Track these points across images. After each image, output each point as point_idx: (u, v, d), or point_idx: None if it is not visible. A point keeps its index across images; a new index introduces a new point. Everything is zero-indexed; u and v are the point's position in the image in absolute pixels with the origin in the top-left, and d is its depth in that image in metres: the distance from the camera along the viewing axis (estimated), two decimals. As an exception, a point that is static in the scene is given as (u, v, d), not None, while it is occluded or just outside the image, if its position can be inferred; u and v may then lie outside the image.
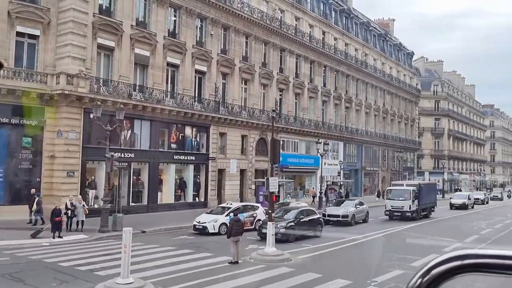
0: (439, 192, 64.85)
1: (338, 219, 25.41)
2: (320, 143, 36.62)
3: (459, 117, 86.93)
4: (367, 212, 28.21)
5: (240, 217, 22.77)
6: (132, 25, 26.88)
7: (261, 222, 20.79)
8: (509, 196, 66.45)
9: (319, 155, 36.61)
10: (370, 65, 53.62)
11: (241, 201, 34.23)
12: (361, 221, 27.01)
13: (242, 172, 35.19)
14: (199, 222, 21.50)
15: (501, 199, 60.29)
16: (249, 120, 34.90)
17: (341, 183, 42.67)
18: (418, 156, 78.61)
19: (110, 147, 23.73)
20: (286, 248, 16.83)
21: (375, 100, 55.23)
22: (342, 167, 44.70)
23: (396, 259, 15.55)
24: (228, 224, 15.27)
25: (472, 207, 42.09)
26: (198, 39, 32.05)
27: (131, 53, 26.83)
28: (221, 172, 33.32)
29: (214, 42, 32.81)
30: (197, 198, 31.69)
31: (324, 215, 25.17)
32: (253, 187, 34.60)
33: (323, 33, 45.65)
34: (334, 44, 47.21)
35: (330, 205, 30.19)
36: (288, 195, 39.69)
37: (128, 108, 25.78)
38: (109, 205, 21.46)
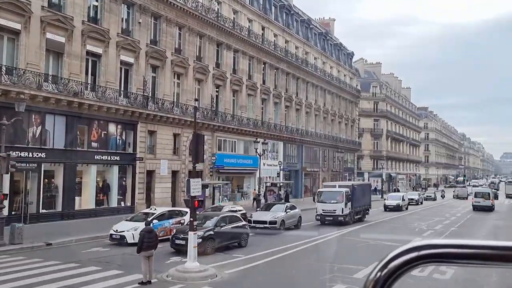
0: (377, 193, 65.34)
1: (266, 225, 22.69)
2: (258, 142, 34.67)
3: (397, 119, 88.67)
4: (300, 217, 25.54)
5: (167, 223, 20.70)
6: (43, 6, 23.49)
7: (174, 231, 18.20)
8: (442, 196, 66.03)
9: (257, 155, 34.62)
10: (310, 64, 52.58)
11: (173, 205, 31.59)
12: (293, 226, 24.53)
13: (175, 173, 32.51)
14: (117, 231, 18.68)
15: (434, 199, 59.49)
16: (182, 117, 32.29)
17: (281, 184, 41.02)
18: (358, 157, 79.09)
19: (14, 145, 20.48)
20: (211, 261, 14.53)
21: (315, 99, 54.28)
22: (281, 167, 43.07)
23: (338, 270, 13.72)
24: (139, 236, 12.69)
25: (407, 208, 40.58)
26: (124, 27, 29.05)
27: (42, 38, 23.44)
28: (150, 173, 30.46)
29: (143, 31, 29.93)
30: (122, 203, 28.63)
31: (250, 221, 22.32)
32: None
33: (263, 28, 43.88)
34: (274, 40, 45.59)
35: (258, 209, 26.95)
36: (225, 198, 37.48)
37: (37, 101, 22.47)
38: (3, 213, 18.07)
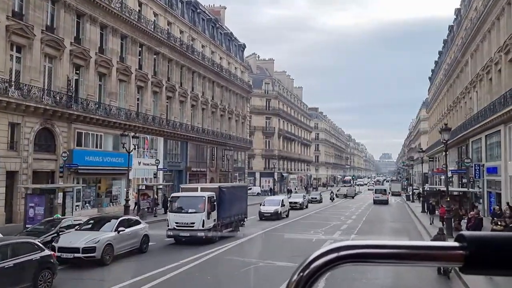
0: (270, 193, 62.27)
1: (77, 255, 14.36)
2: (126, 135, 28.33)
3: (289, 117, 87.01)
4: (144, 236, 17.59)
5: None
6: None
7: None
8: (332, 199, 55.23)
9: (126, 151, 28.18)
10: (197, 51, 47.14)
11: (10, 218, 24.23)
12: (131, 251, 16.71)
13: (12, 175, 24.92)
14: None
15: (319, 201, 51.23)
16: (23, 102, 24.81)
17: (158, 187, 34.95)
18: (249, 156, 75.53)
19: None
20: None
21: (203, 91, 48.98)
22: (160, 167, 37.03)
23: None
24: None
25: (287, 216, 33.21)
26: None
27: None
28: (-28, 175, 22.64)
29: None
30: None
31: (54, 248, 14.01)
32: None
33: (140, 4, 37.44)
34: (155, 20, 39.36)
35: (78, 228, 16.87)
36: (87, 205, 30.53)
37: None
38: None
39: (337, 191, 69.58)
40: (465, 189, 29.16)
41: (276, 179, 79.28)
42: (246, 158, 64.45)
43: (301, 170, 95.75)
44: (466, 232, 0.80)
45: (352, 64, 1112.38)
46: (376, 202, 50.85)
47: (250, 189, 70.94)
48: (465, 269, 0.78)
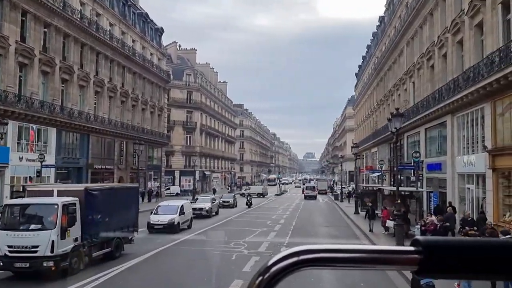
0: (189, 194, 56.66)
1: None
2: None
3: (212, 112, 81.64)
4: None
5: None
6: None
7: None
8: (249, 204, 43.08)
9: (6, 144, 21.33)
10: (103, 29, 40.27)
11: None
12: None
13: None
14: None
15: (233, 206, 41.35)
16: None
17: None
18: (168, 153, 69.23)
19: None
20: None
21: (110, 77, 42.18)
22: (50, 163, 30.09)
23: None
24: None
25: (189, 226, 25.80)
26: None
27: None
28: None
29: None
30: None
31: None
32: None
33: (24, -38, 30.17)
34: (45, -15, 32.19)
35: None
36: None
37: None
38: None
39: (246, 190, 62.82)
40: (413, 188, 25.45)
41: (198, 178, 73.60)
42: (164, 155, 58.07)
43: (225, 168, 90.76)
44: (421, 237, 0.81)
45: (278, 65, 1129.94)
46: (306, 197, 58.80)
47: (168, 189, 64.89)
48: (420, 272, 0.79)
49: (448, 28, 24.56)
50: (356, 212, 34.41)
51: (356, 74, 78.38)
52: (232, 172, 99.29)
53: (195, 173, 72.55)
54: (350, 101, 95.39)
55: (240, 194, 57.68)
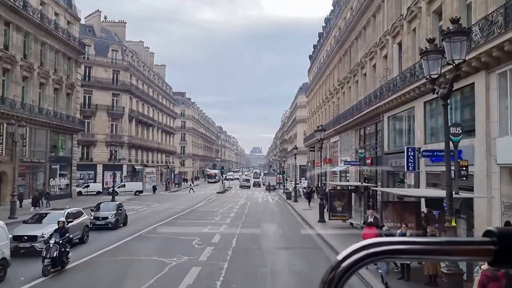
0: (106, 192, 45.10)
1: None
2: None
3: (146, 97, 70.13)
4: None
5: None
6: None
7: None
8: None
9: None
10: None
11: None
12: None
13: None
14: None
15: (112, 226, 22.34)
16: None
17: None
18: (88, 143, 57.46)
19: None
20: None
21: (-16, 33, 30.36)
22: None
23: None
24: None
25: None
26: None
27: None
28: None
29: None
30: None
31: None
32: None
33: None
34: None
35: None
36: None
37: None
38: None
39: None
40: (468, 194, 15.54)
41: (126, 173, 62.17)
42: (75, 144, 46.26)
43: (162, 162, 79.44)
44: (494, 228, 0.80)
45: (225, 60, 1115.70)
46: (255, 184, 75.66)
47: (87, 186, 53.15)
48: (495, 263, 0.78)
49: None
50: (321, 220, 25.14)
51: (310, 56, 69.59)
52: (171, 167, 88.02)
53: (122, 168, 61.23)
54: (302, 89, 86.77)
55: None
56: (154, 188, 62.60)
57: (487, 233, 0.79)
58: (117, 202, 25.29)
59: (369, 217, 15.40)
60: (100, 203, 24.51)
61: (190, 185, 68.93)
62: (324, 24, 56.08)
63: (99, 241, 18.88)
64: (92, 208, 24.17)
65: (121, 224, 23.59)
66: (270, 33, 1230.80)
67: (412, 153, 20.14)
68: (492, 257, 0.77)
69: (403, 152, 21.83)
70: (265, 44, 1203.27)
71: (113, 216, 22.69)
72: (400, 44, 24.96)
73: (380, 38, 28.21)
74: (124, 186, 53.83)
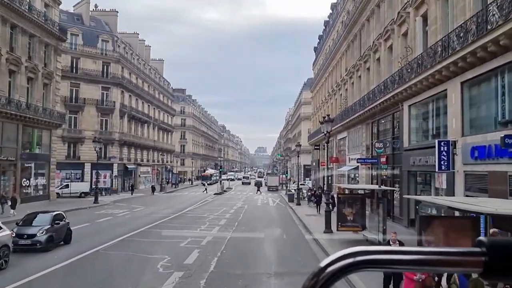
0: (95, 192, 40.59)
1: None
2: None
3: (140, 92, 65.75)
4: None
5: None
6: None
7: None
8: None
9: None
10: None
11: None
12: None
13: None
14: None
15: (40, 247, 16.46)
16: None
17: None
18: (74, 140, 53.23)
19: None
20: None
21: None
22: None
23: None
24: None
25: None
26: None
27: None
28: None
29: None
30: None
31: None
32: None
33: None
34: None
35: None
36: None
37: None
38: None
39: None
40: None
41: (117, 172, 57.84)
42: (56, 141, 41.98)
43: (158, 161, 75.09)
44: (484, 238, 0.76)
45: (229, 60, 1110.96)
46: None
47: (67, 186, 48.36)
48: (485, 275, 0.74)
49: None
50: (328, 230, 20.65)
51: (315, 48, 65.00)
52: (169, 166, 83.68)
53: (112, 167, 56.94)
54: (307, 85, 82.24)
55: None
56: (153, 189, 58.30)
57: (478, 244, 0.75)
58: (54, 213, 18.32)
59: (390, 241, 10.88)
60: (29, 214, 18.52)
61: (204, 184, 67.17)
62: (331, 11, 51.50)
63: (19, 268, 14.02)
64: (18, 222, 18.09)
65: (61, 242, 17.83)
66: (272, 33, 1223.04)
67: (445, 147, 15.65)
68: (482, 268, 0.73)
69: (429, 147, 17.40)
70: (272, 44, 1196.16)
71: (44, 232, 16.64)
72: (425, 16, 20.41)
73: (398, 13, 23.66)
74: (67, 186, 46.60)
